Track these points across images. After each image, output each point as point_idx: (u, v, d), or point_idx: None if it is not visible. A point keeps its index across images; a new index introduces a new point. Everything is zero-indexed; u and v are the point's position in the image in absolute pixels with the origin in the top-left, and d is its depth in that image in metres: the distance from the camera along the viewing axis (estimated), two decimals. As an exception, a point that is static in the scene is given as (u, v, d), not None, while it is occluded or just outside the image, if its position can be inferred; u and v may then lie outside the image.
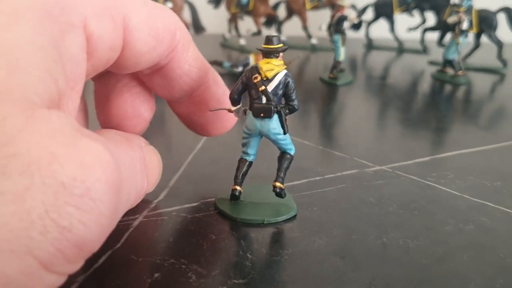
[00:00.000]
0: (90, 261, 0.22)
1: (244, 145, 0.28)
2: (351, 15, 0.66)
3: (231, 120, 0.29)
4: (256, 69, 0.26)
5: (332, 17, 0.65)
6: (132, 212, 0.27)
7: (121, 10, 0.21)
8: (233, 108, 0.27)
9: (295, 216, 0.28)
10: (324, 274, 0.22)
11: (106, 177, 0.16)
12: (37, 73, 0.16)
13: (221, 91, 0.28)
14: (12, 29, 0.16)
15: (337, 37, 0.64)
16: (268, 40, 0.26)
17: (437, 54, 0.84)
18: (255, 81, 0.26)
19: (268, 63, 0.26)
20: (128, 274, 0.22)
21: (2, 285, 0.14)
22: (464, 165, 0.36)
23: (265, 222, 0.27)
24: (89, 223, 0.15)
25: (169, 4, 0.67)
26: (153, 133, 0.42)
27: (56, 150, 0.15)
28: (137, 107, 0.27)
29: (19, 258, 0.14)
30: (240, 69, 0.66)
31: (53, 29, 0.17)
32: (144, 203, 0.28)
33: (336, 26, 0.64)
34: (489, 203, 0.30)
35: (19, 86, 0.15)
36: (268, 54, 0.26)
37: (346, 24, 0.64)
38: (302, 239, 0.25)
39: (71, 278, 0.21)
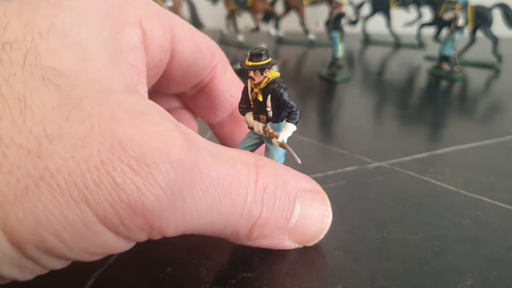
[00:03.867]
0: (105, 257, 0.23)
1: None
2: (349, 12, 0.67)
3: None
4: None
5: (330, 14, 0.66)
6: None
7: (168, 20, 0.24)
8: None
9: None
10: (328, 267, 0.23)
11: (169, 152, 0.16)
12: (102, 61, 0.18)
13: None
14: (80, 24, 0.18)
15: (335, 34, 0.65)
16: None
17: (433, 49, 0.85)
18: None
19: None
20: (142, 268, 0.23)
21: (62, 227, 0.15)
22: (460, 160, 0.38)
23: None
24: (142, 188, 0.15)
25: (169, 3, 0.68)
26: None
27: (119, 113, 0.15)
28: None
29: (77, 205, 0.15)
30: (239, 66, 0.67)
31: (112, 25, 0.20)
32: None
33: (334, 23, 0.64)
34: (484, 198, 0.31)
35: (89, 70, 0.17)
36: None
37: (344, 21, 0.64)
38: (306, 234, 0.26)
39: (88, 273, 0.22)
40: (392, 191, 0.32)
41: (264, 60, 0.24)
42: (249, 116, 0.26)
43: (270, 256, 0.24)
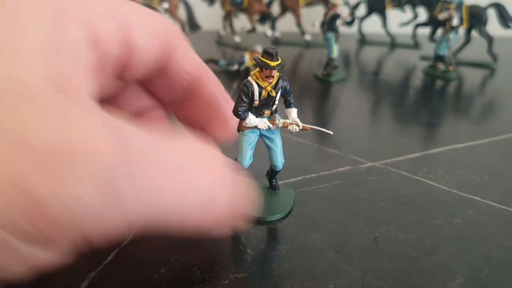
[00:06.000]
0: (100, 258, 0.24)
1: None
2: (344, 13, 0.67)
3: (234, 124, 0.29)
4: None
5: (325, 15, 0.66)
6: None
7: (121, 13, 0.23)
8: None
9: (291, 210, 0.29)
10: (320, 267, 0.24)
11: (90, 150, 0.14)
12: (36, 60, 0.16)
13: (219, 90, 0.28)
14: (16, 27, 0.17)
15: (330, 35, 0.65)
16: None
17: (429, 49, 0.85)
18: None
19: None
20: (136, 269, 0.23)
21: None
22: (453, 160, 0.38)
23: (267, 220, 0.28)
24: (60, 195, 0.14)
25: (165, 5, 0.68)
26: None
27: (31, 114, 0.14)
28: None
29: None
30: (235, 67, 0.67)
31: (55, 26, 0.18)
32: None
33: (329, 24, 0.65)
34: (476, 197, 0.31)
35: (18, 70, 0.15)
36: None
37: (339, 22, 0.65)
38: (299, 235, 0.26)
39: (83, 275, 0.23)
40: (385, 191, 0.32)
41: (280, 59, 0.26)
42: (252, 116, 0.27)
43: (262, 257, 0.24)
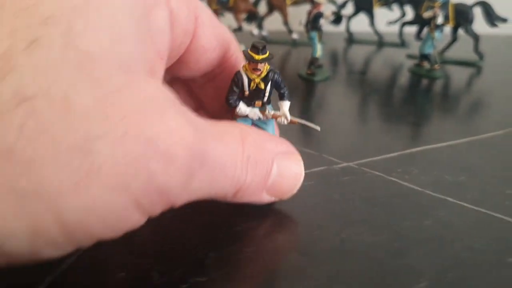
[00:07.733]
0: (59, 262, 0.23)
1: None
2: (327, 11, 0.67)
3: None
4: None
5: (309, 14, 0.65)
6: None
7: (193, 3, 0.24)
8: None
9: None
10: (284, 270, 0.23)
11: (181, 143, 0.18)
12: (132, 44, 0.18)
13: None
14: (112, 2, 0.18)
15: (314, 34, 0.64)
16: None
17: (416, 47, 0.84)
18: None
19: None
20: (95, 274, 0.23)
21: (108, 214, 0.17)
22: (431, 160, 0.37)
23: None
24: (167, 176, 0.18)
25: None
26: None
27: (147, 110, 0.17)
28: None
29: (119, 193, 0.17)
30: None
31: (143, 4, 0.20)
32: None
33: (312, 23, 0.64)
34: (448, 198, 0.31)
35: (121, 53, 0.18)
36: None
37: (322, 21, 0.64)
38: (265, 237, 0.26)
39: (40, 279, 0.22)
40: (357, 192, 0.31)
41: (267, 52, 0.27)
42: (243, 105, 0.29)
43: (224, 260, 0.24)
